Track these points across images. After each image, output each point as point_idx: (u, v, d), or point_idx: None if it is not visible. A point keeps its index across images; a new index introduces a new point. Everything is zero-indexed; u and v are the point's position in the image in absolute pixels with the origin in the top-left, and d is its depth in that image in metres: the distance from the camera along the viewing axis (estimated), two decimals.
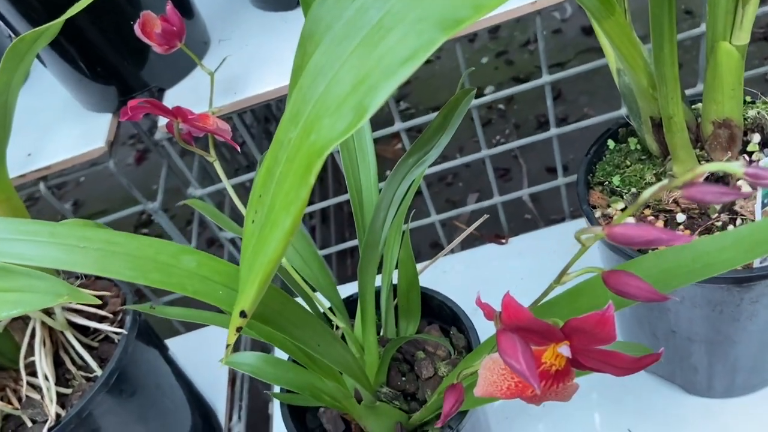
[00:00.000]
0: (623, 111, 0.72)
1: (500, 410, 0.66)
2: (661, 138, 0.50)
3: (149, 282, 0.33)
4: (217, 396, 0.76)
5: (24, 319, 0.54)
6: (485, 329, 0.51)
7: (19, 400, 0.53)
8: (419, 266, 0.58)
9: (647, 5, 0.43)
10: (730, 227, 0.47)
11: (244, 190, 0.95)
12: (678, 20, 0.43)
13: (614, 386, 0.63)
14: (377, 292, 0.55)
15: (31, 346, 0.53)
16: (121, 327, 0.57)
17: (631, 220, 0.50)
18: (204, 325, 0.84)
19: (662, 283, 0.33)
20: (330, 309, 0.56)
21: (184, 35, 0.53)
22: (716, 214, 0.48)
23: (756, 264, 0.43)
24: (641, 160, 0.53)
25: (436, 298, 0.58)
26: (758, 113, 0.50)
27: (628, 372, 0.34)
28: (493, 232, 0.87)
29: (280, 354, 0.54)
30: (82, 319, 0.56)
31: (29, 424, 0.53)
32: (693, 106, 0.53)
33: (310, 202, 1.23)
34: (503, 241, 0.81)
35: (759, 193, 0.42)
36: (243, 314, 0.32)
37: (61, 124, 0.70)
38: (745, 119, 0.50)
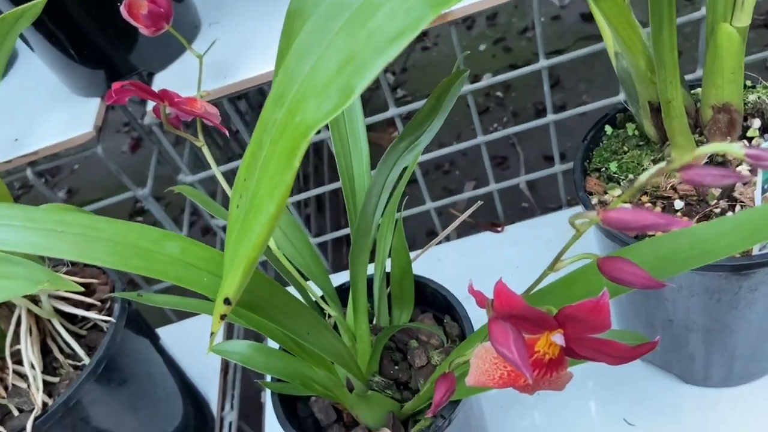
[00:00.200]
0: (621, 97, 0.71)
1: (494, 399, 0.65)
2: (659, 123, 0.49)
3: (130, 268, 0.32)
4: (209, 385, 0.76)
5: (9, 307, 0.53)
6: (479, 318, 0.51)
7: (6, 388, 0.52)
8: (413, 254, 0.57)
9: None
10: (729, 214, 0.46)
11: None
12: (678, 7, 0.42)
13: (610, 375, 0.62)
14: (370, 281, 0.54)
15: (17, 334, 0.52)
16: (109, 315, 0.56)
17: (627, 206, 0.49)
18: (196, 314, 0.83)
19: (659, 270, 0.32)
20: (322, 298, 0.55)
21: (171, 17, 0.52)
22: (715, 201, 0.47)
23: (755, 251, 0.42)
24: (639, 146, 0.52)
25: (429, 287, 0.57)
26: (758, 98, 0.49)
27: (623, 361, 0.33)
28: (488, 221, 0.86)
29: (273, 344, 0.53)
30: (70, 307, 0.55)
31: (15, 413, 0.52)
32: (692, 92, 0.52)
33: (305, 189, 1.22)
34: (499, 229, 0.80)
35: (759, 178, 0.41)
36: (227, 301, 0.31)
37: (49, 109, 0.69)
38: (745, 104, 0.49)
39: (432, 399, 0.49)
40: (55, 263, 0.59)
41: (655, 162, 0.50)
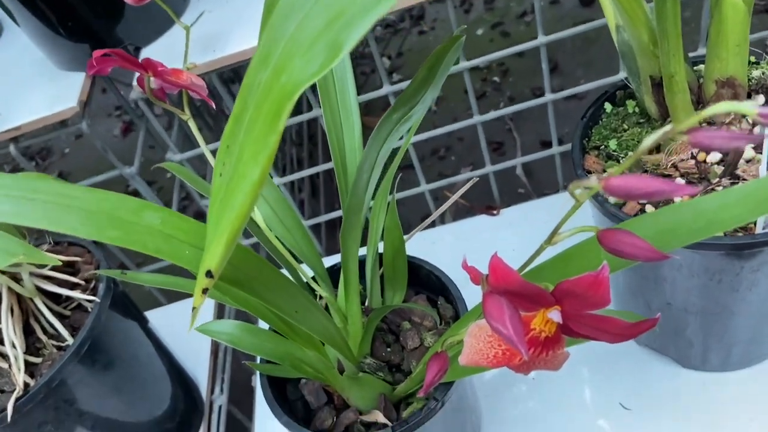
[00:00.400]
0: (621, 75, 0.69)
1: (488, 384, 0.64)
2: (660, 99, 0.48)
3: (106, 239, 0.30)
4: (199, 369, 0.74)
5: None
6: (474, 300, 0.49)
7: None
8: (406, 236, 0.56)
9: None
10: None
11: None
12: None
13: (605, 359, 0.61)
14: (362, 262, 0.53)
15: None
16: (94, 295, 0.54)
17: None
18: (185, 297, 0.82)
19: (660, 244, 0.31)
20: (313, 279, 0.53)
21: None
22: (717, 179, 0.45)
23: (759, 229, 0.41)
24: (639, 123, 0.51)
25: (423, 268, 0.56)
26: (763, 73, 0.48)
27: (622, 338, 0.32)
28: (484, 203, 0.84)
29: (264, 326, 0.52)
30: (53, 286, 0.53)
31: None
32: (694, 68, 0.51)
33: (299, 169, 1.20)
34: (494, 212, 0.79)
35: (765, 152, 0.40)
36: (210, 274, 0.30)
37: (33, 84, 0.67)
38: (749, 80, 0.48)
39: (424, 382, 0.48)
40: (38, 242, 0.58)
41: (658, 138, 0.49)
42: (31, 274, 0.52)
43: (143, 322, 0.65)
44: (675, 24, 0.42)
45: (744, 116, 0.48)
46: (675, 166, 0.47)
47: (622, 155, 0.50)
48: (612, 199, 0.47)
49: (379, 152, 0.42)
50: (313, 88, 0.77)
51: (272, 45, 0.29)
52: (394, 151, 0.49)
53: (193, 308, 0.31)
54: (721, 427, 0.54)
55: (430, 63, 0.35)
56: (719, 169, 0.45)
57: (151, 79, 0.46)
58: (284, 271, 0.50)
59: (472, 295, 0.54)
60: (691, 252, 0.44)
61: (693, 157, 0.47)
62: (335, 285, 0.56)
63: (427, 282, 0.56)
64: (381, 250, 0.55)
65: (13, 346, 0.50)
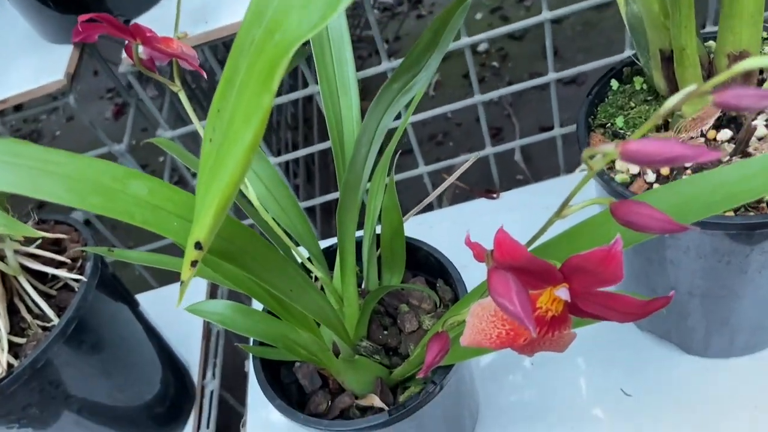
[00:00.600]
0: (627, 53, 0.68)
1: (487, 370, 0.62)
2: (670, 74, 0.46)
3: (89, 207, 0.29)
4: (190, 353, 0.73)
5: None
6: (474, 282, 0.48)
7: None
8: (403, 218, 0.54)
9: None
10: None
11: None
12: None
13: (606, 345, 0.60)
14: (359, 243, 0.51)
15: None
16: (81, 274, 0.52)
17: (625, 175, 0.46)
18: (177, 280, 0.80)
19: (677, 217, 0.29)
20: (308, 260, 0.52)
21: None
22: (728, 158, 0.44)
23: None
24: (647, 101, 0.49)
25: (422, 249, 0.54)
26: None
27: (633, 318, 0.30)
28: (483, 187, 0.83)
29: (257, 307, 0.50)
30: (38, 265, 0.51)
31: None
32: (705, 44, 0.49)
33: (293, 148, 1.18)
34: (494, 195, 0.77)
35: None
36: (199, 246, 0.28)
37: (19, 56, 0.64)
38: (761, 55, 0.46)
39: (422, 365, 0.47)
40: (23, 220, 0.56)
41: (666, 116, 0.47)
42: (16, 252, 0.50)
43: (133, 305, 0.64)
44: None
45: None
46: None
47: (629, 133, 0.48)
48: (618, 177, 0.46)
49: (378, 125, 0.40)
50: (310, 61, 0.75)
51: (265, 1, 0.27)
52: (392, 132, 0.48)
53: (182, 282, 0.29)
54: (723, 414, 0.53)
55: (434, 26, 0.34)
56: (730, 147, 0.44)
57: (140, 47, 0.44)
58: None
59: (471, 278, 0.53)
60: (700, 232, 0.43)
61: (703, 134, 0.45)
62: (331, 267, 0.54)
63: (425, 264, 0.55)
64: (378, 232, 0.53)
65: None
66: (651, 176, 0.45)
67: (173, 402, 0.65)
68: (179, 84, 0.46)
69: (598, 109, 0.51)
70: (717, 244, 0.43)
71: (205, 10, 0.59)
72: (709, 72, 0.46)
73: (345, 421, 0.46)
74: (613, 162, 0.47)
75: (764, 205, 0.41)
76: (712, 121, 0.45)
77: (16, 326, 0.52)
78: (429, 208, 0.83)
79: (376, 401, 0.46)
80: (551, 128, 0.75)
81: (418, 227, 0.77)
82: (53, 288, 0.54)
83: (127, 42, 0.44)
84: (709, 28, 0.65)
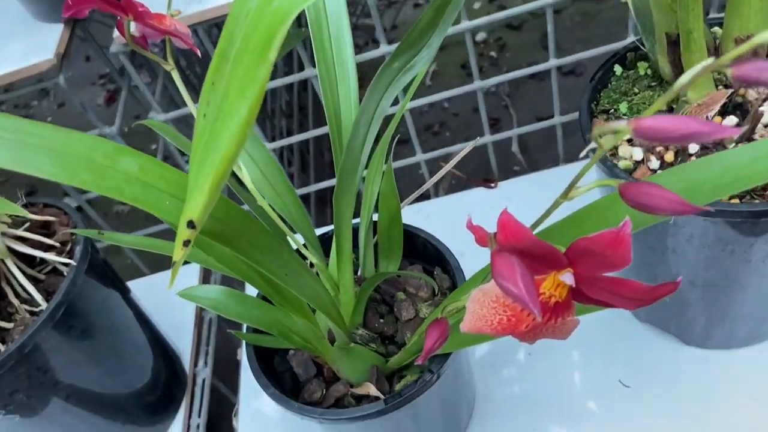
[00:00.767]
0: (630, 39, 0.66)
1: (482, 361, 0.62)
2: (675, 59, 0.45)
3: (77, 182, 0.27)
4: (182, 341, 0.72)
5: None
6: (470, 271, 0.47)
7: None
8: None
9: None
10: None
11: None
12: None
13: (605, 335, 0.59)
14: (355, 230, 0.50)
15: None
16: (70, 258, 0.51)
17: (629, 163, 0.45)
18: (170, 267, 0.78)
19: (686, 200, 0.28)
20: (304, 246, 0.50)
21: None
22: (733, 144, 0.43)
23: None
24: (651, 86, 0.48)
25: (419, 236, 0.53)
26: None
27: (639, 304, 0.29)
28: (481, 176, 0.82)
29: (251, 293, 0.49)
30: (26, 248, 0.50)
31: None
32: (710, 29, 0.48)
33: (288, 136, 1.17)
34: (492, 185, 0.76)
35: None
36: (191, 225, 0.27)
37: (9, 35, 0.63)
38: None
39: (419, 353, 0.46)
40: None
41: (669, 103, 0.46)
42: (3, 234, 0.49)
43: (124, 291, 0.62)
44: None
45: None
46: None
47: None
48: (621, 164, 0.45)
49: (377, 106, 0.39)
50: (306, 46, 0.74)
51: None
52: (388, 120, 0.46)
53: (173, 262, 0.28)
54: (722, 406, 0.52)
55: (436, 4, 0.32)
56: (735, 135, 0.43)
57: (132, 24, 0.42)
58: None
59: (468, 267, 0.52)
60: (703, 220, 0.42)
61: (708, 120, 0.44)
62: (327, 254, 0.53)
63: (423, 252, 0.54)
64: (375, 219, 0.52)
65: None
66: (655, 163, 0.44)
67: (164, 390, 0.64)
68: (172, 63, 0.45)
69: (601, 94, 0.50)
70: (721, 232, 0.42)
71: None
72: (715, 57, 0.45)
73: (340, 409, 0.45)
74: (616, 148, 0.46)
75: None
76: (717, 108, 0.44)
77: (3, 311, 0.50)
78: (426, 197, 0.82)
79: (372, 390, 0.45)
80: (550, 118, 0.74)
81: (415, 215, 0.76)
82: (41, 272, 0.53)
83: (119, 18, 0.42)
84: (713, 15, 0.64)
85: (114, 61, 0.66)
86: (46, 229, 0.54)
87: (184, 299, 0.47)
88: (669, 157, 0.44)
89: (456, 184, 1.22)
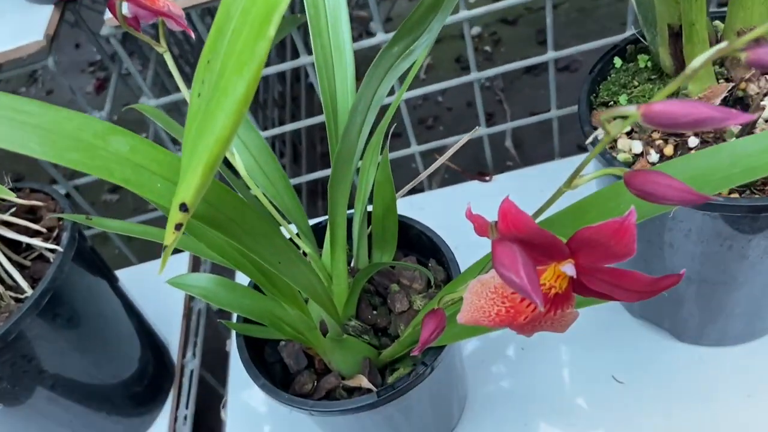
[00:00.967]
0: (629, 32, 0.66)
1: (475, 355, 0.61)
2: (677, 52, 0.45)
3: (65, 162, 0.26)
4: (171, 331, 0.71)
5: None
6: (465, 263, 0.46)
7: None
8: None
9: None
10: None
11: None
12: None
13: (598, 330, 0.58)
14: (349, 220, 0.49)
15: None
16: (57, 244, 0.50)
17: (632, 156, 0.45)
18: (159, 256, 0.77)
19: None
20: (297, 235, 0.50)
21: None
22: (733, 138, 0.42)
23: None
24: (651, 79, 0.48)
25: (414, 228, 0.53)
26: None
27: (641, 296, 0.29)
28: (476, 170, 0.81)
29: (241, 282, 0.48)
30: (12, 233, 0.49)
31: None
32: (712, 23, 0.48)
33: (280, 123, 1.15)
34: (487, 178, 0.75)
35: None
36: (184, 208, 0.26)
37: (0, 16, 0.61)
38: None
39: (413, 345, 0.45)
40: None
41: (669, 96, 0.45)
42: None
43: (112, 280, 0.61)
44: None
45: (764, 74, 0.45)
46: None
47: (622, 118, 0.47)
48: (620, 157, 0.44)
49: (375, 92, 0.38)
50: (301, 32, 0.73)
51: None
52: (384, 111, 0.46)
53: (164, 247, 0.27)
54: (717, 403, 0.52)
55: None
56: (736, 129, 0.43)
57: (124, 4, 0.41)
58: None
59: (462, 260, 0.51)
60: (701, 214, 0.42)
61: None
62: (320, 245, 0.52)
63: (417, 243, 0.53)
64: (369, 210, 0.51)
65: None
66: (654, 156, 0.44)
67: (151, 381, 0.63)
68: (165, 45, 0.44)
69: (600, 87, 0.50)
70: (719, 227, 0.42)
71: None
72: None
73: (331, 402, 0.44)
74: (615, 141, 0.46)
75: None
76: (718, 101, 0.43)
77: None
78: (419, 189, 0.81)
79: (364, 382, 0.45)
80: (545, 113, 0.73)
81: (408, 208, 0.75)
82: (27, 258, 0.51)
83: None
84: (713, 9, 0.63)
85: (106, 47, 0.65)
86: (32, 214, 0.53)
87: (173, 288, 0.46)
88: (668, 150, 0.44)
89: (448, 178, 1.22)
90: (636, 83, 0.48)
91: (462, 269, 0.48)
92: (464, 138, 0.50)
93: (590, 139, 0.41)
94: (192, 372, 0.69)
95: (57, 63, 0.58)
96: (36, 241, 0.49)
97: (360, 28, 1.49)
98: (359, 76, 0.43)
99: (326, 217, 0.48)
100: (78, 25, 0.68)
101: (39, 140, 0.26)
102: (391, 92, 0.71)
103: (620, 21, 1.30)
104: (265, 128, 1.09)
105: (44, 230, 0.50)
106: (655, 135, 0.45)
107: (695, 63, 0.22)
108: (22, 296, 0.49)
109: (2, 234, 0.49)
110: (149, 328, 0.66)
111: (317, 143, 1.32)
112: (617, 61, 0.50)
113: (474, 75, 0.67)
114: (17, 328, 0.46)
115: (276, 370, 0.50)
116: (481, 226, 0.30)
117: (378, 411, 0.44)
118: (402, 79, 0.43)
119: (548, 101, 0.76)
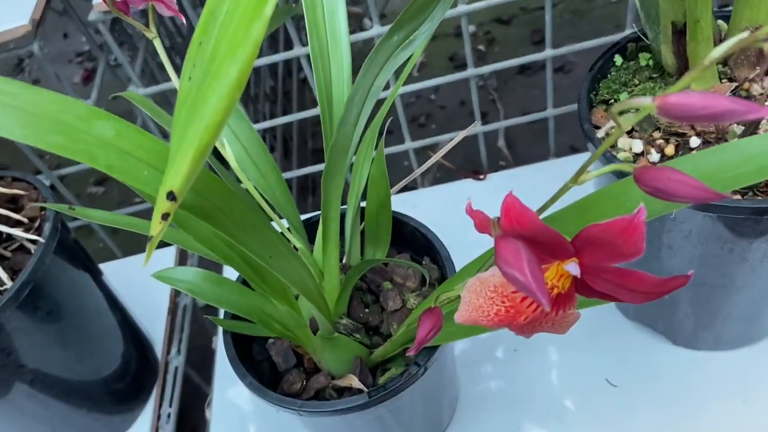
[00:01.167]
0: (628, 32, 0.65)
1: (466, 356, 0.60)
2: (680, 50, 0.44)
3: (46, 145, 0.25)
4: (155, 327, 0.69)
5: None
6: (460, 262, 0.45)
7: None
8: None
9: None
10: None
11: None
12: None
13: (592, 333, 0.58)
14: (342, 216, 0.48)
15: None
16: (39, 235, 0.48)
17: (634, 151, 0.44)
18: (143, 251, 0.76)
19: None
20: (288, 230, 0.48)
21: None
22: (736, 138, 0.42)
23: None
24: (652, 78, 0.47)
25: (408, 224, 0.51)
26: None
27: (647, 297, 0.28)
28: (468, 169, 0.80)
29: (230, 277, 0.47)
30: None
31: None
32: (717, 21, 0.47)
33: (271, 117, 1.14)
34: (481, 177, 0.74)
35: None
36: (172, 196, 0.25)
37: None
38: None
39: (406, 344, 0.44)
40: None
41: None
42: None
43: (95, 273, 0.60)
44: None
45: (766, 74, 0.44)
46: (691, 125, 0.43)
47: (632, 110, 0.46)
48: (621, 156, 0.44)
49: (373, 82, 0.37)
50: (295, 22, 0.71)
51: None
52: (379, 105, 0.44)
53: (150, 237, 0.26)
54: (712, 408, 0.51)
55: None
56: (739, 129, 0.42)
57: None
58: None
59: (456, 258, 0.50)
60: (702, 216, 0.41)
61: None
62: (311, 240, 0.51)
63: (411, 241, 0.52)
64: (362, 206, 0.50)
65: None
66: (655, 156, 0.43)
67: (134, 377, 0.61)
68: (155, 31, 0.42)
69: (600, 85, 0.49)
70: (720, 229, 0.41)
71: None
72: None
73: (320, 402, 0.43)
74: (615, 140, 0.45)
75: None
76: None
77: None
78: (413, 187, 0.80)
79: (355, 382, 0.43)
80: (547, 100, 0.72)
81: (401, 206, 0.74)
82: (7, 249, 0.50)
83: None
84: (715, 9, 0.63)
85: (94, 37, 0.63)
86: (14, 203, 0.51)
87: (158, 283, 0.45)
88: (669, 150, 0.43)
89: (440, 177, 1.21)
90: (637, 81, 0.47)
91: (458, 265, 0.47)
92: (461, 134, 0.49)
93: (603, 131, 0.40)
94: (176, 369, 0.67)
95: (43, 50, 0.56)
96: (17, 231, 0.47)
97: (353, 24, 1.47)
98: (354, 70, 0.42)
99: (318, 212, 0.47)
100: (66, 13, 0.67)
101: (18, 122, 0.25)
102: (386, 88, 0.70)
103: (615, 23, 1.30)
104: (256, 122, 1.07)
105: (26, 220, 0.49)
106: (656, 134, 0.44)
107: (714, 53, 0.21)
108: (1, 288, 0.47)
109: None
110: (133, 323, 0.64)
111: (309, 139, 1.31)
112: (618, 59, 0.49)
113: (470, 71, 0.66)
114: None
115: (264, 369, 0.48)
116: (481, 222, 0.29)
117: (368, 412, 0.42)
118: (398, 73, 0.42)
119: (542, 102, 0.75)
